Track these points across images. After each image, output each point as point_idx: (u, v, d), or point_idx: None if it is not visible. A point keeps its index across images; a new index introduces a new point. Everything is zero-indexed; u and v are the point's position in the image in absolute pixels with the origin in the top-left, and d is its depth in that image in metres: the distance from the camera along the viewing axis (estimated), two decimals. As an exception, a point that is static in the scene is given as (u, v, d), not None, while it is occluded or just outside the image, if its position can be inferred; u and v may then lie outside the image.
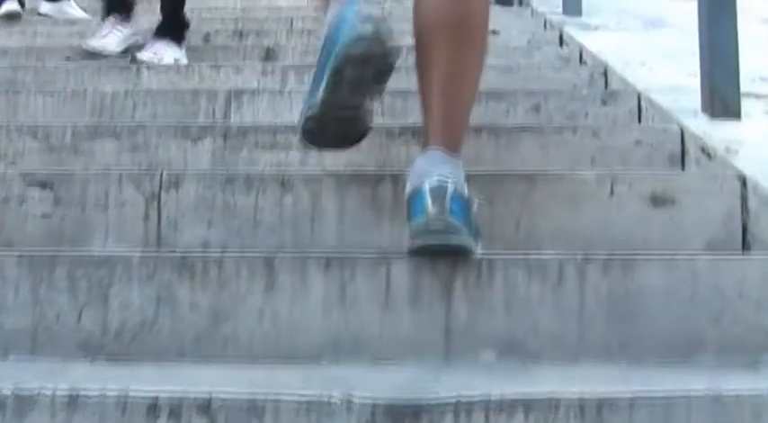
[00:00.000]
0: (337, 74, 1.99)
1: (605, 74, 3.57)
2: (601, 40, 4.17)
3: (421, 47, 2.01)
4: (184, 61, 3.83)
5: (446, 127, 1.95)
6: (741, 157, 2.44)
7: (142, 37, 3.97)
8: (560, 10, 4.88)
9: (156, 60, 3.75)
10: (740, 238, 2.21)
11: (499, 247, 2.04)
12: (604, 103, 3.15)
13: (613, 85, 3.48)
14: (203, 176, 2.28)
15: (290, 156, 2.70)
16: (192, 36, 4.34)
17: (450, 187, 1.81)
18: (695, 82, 2.94)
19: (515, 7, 5.33)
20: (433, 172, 1.84)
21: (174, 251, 2.05)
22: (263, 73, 3.57)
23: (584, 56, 3.93)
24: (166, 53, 3.81)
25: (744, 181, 2.28)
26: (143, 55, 3.80)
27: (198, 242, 2.21)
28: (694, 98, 2.93)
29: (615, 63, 3.60)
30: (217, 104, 3.14)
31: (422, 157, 1.91)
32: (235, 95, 3.14)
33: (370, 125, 2.15)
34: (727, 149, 2.49)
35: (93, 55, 3.84)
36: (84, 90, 3.20)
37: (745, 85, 2.97)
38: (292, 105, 3.11)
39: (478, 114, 3.07)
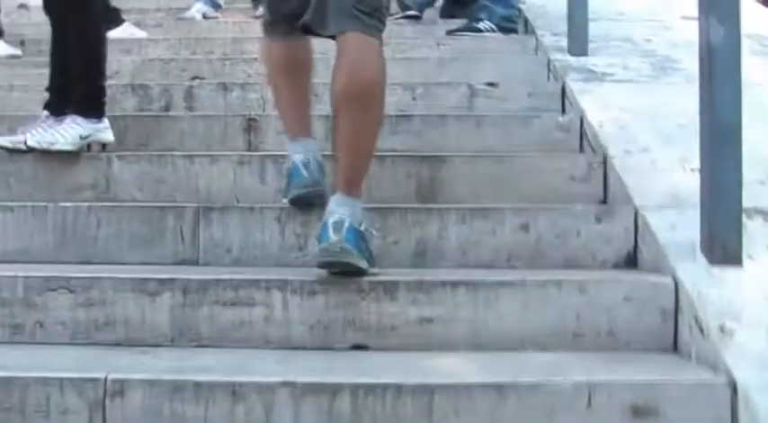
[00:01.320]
0: (293, 203, 2.92)
1: (604, 164, 3.35)
2: (605, 98, 3.93)
3: (333, 114, 2.62)
4: (107, 137, 3.50)
5: (347, 177, 2.59)
6: (735, 344, 2.25)
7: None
8: (566, 42, 4.62)
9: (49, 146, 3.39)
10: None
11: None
12: (599, 220, 2.95)
13: (611, 182, 3.27)
14: (150, 384, 2.11)
15: (254, 313, 2.54)
16: (175, 90, 4.16)
17: (347, 223, 2.50)
18: (697, 182, 2.71)
19: (520, 35, 5.07)
20: (335, 211, 2.54)
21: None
22: (240, 162, 3.38)
23: (584, 127, 3.70)
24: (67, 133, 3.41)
25: (734, 387, 2.10)
26: (32, 139, 3.40)
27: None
28: (694, 222, 2.72)
29: (616, 149, 3.38)
30: (185, 223, 2.96)
31: (331, 199, 2.60)
32: (204, 213, 2.96)
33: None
34: (722, 329, 2.30)
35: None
36: (45, 206, 3.01)
37: (751, 192, 2.77)
38: (263, 224, 2.95)
39: (463, 235, 2.92)
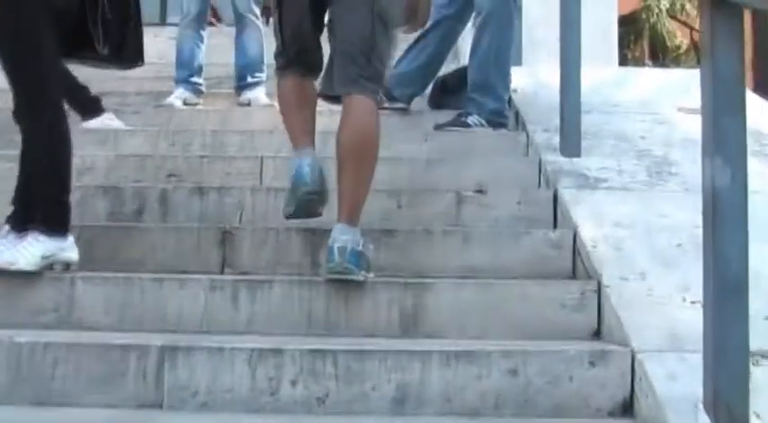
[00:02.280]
0: (297, 207, 3.40)
1: (598, 292, 3.16)
2: (598, 209, 3.75)
3: (338, 162, 3.25)
4: (71, 256, 3.30)
5: (349, 211, 3.22)
6: None
7: None
8: (558, 139, 4.45)
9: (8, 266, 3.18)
10: None
11: None
12: (593, 364, 2.75)
13: (605, 313, 3.08)
14: None
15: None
16: (149, 193, 3.96)
17: (349, 247, 3.14)
18: (698, 320, 2.49)
19: (511, 132, 4.89)
20: (339, 238, 3.16)
21: None
22: (212, 287, 3.18)
23: (577, 245, 3.51)
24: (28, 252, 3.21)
25: None
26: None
27: None
28: (696, 370, 2.51)
29: (611, 276, 3.19)
30: (148, 363, 2.74)
31: (335, 227, 3.21)
32: (169, 353, 2.75)
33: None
34: None
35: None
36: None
37: (755, 330, 2.57)
38: (233, 365, 2.74)
39: (447, 379, 2.72)
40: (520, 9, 6.20)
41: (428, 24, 5.46)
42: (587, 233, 3.52)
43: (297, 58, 3.40)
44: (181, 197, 3.96)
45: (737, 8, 2.42)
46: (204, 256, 3.55)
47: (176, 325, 3.15)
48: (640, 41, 20.23)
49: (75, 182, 3.99)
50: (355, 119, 3.24)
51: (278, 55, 3.48)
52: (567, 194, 3.89)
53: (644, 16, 20.00)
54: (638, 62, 19.20)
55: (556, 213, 3.89)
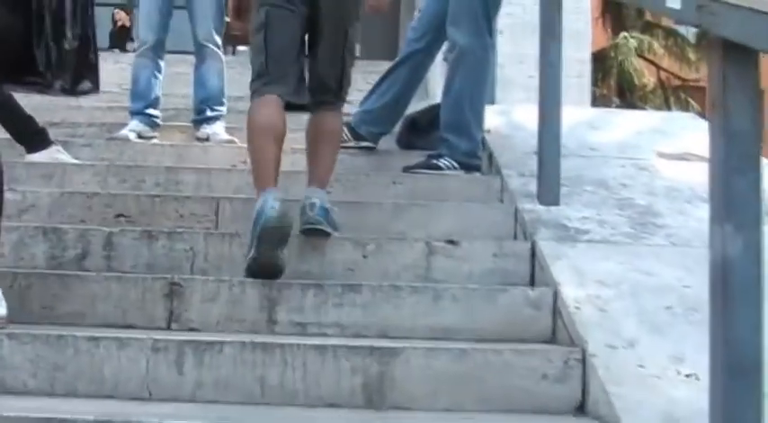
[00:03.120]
0: (259, 242, 3.34)
1: (583, 362, 2.87)
2: (580, 265, 3.47)
3: (310, 144, 3.81)
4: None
5: (320, 178, 3.72)
6: None
7: None
8: (535, 185, 4.17)
9: None
10: None
11: None
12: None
13: (592, 387, 2.79)
14: None
15: None
16: (93, 237, 3.64)
17: (318, 204, 3.58)
18: (695, 397, 2.21)
19: (484, 176, 4.59)
20: (311, 197, 3.60)
21: None
22: (155, 349, 2.85)
23: (558, 305, 3.23)
24: None
25: None
26: None
27: None
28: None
29: (596, 344, 2.91)
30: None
31: (307, 189, 3.68)
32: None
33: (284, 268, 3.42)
34: None
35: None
36: None
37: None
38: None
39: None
40: (494, 46, 5.97)
41: (397, 59, 5.20)
42: (569, 293, 3.24)
43: (279, 79, 3.66)
44: (128, 241, 3.63)
45: (752, 53, 2.15)
46: (150, 310, 3.24)
47: (113, 390, 2.83)
48: (608, 79, 20.18)
49: (12, 221, 3.70)
50: (330, 117, 3.83)
51: (257, 78, 3.69)
52: (545, 247, 3.61)
53: (612, 54, 19.95)
54: (606, 100, 19.14)
55: (534, 267, 3.61)
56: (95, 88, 3.48)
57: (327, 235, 3.59)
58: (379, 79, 5.04)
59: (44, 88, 3.36)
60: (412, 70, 4.95)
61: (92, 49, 3.39)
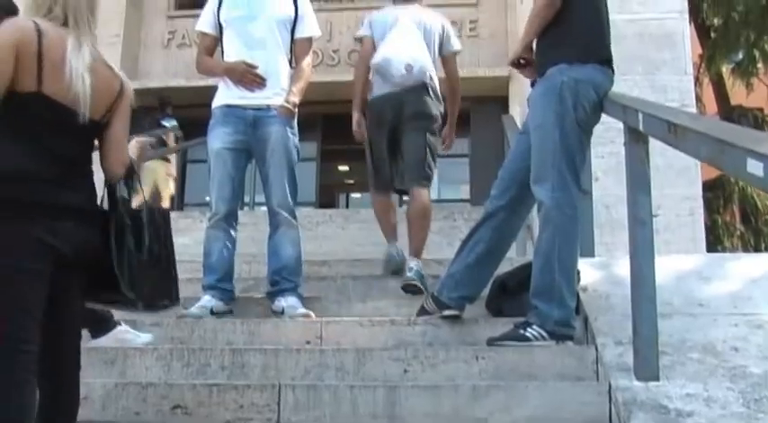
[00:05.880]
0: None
1: None
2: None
3: (409, 224, 5.82)
4: None
5: (416, 250, 5.69)
6: None
7: None
8: (632, 354, 3.71)
9: None
10: None
11: None
12: None
13: None
14: None
15: None
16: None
17: (415, 268, 5.50)
18: None
19: (576, 346, 4.13)
20: (410, 262, 5.59)
21: None
22: None
23: None
24: None
25: None
26: None
27: None
28: None
29: None
30: None
31: (408, 258, 5.69)
32: None
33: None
34: None
35: None
36: None
37: None
38: None
39: None
40: (590, 192, 5.58)
41: (480, 217, 4.83)
42: None
43: (380, 181, 6.03)
44: (178, 443, 3.31)
45: None
46: None
47: None
48: (730, 206, 19.41)
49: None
50: (421, 200, 5.78)
51: (371, 180, 6.07)
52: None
53: (732, 179, 19.20)
54: (730, 227, 18.37)
55: (630, 460, 3.15)
56: (176, 301, 3.36)
57: (422, 291, 5.25)
58: (463, 241, 4.69)
59: (124, 306, 3.24)
60: (495, 229, 4.59)
61: (171, 264, 3.28)
